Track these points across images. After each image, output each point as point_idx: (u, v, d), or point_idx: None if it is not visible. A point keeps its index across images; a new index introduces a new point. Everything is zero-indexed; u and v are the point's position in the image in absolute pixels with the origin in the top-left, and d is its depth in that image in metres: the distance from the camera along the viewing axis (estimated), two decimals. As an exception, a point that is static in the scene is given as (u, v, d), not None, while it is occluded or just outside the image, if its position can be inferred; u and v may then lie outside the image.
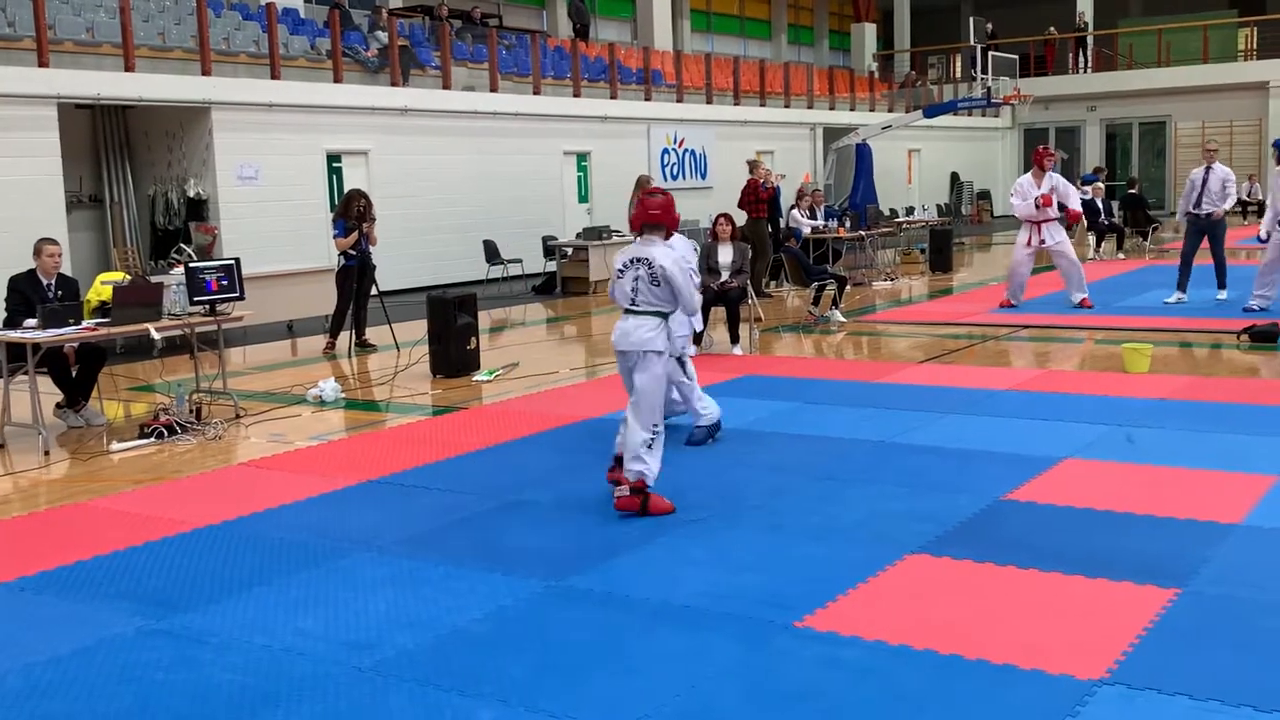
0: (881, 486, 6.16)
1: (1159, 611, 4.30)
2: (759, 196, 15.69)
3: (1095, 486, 5.97)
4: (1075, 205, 13.21)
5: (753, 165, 16.31)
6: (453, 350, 10.05)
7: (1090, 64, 33.02)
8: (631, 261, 5.86)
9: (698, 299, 5.96)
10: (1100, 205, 19.97)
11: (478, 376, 9.98)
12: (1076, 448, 6.75)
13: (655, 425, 5.79)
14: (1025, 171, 13.71)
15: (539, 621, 4.45)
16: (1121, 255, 19.59)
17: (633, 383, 5.87)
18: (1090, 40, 33.05)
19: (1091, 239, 20.00)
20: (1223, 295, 12.80)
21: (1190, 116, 31.25)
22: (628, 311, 5.86)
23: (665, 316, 5.86)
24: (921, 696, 3.72)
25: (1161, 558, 4.86)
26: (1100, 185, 20.76)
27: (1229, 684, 3.68)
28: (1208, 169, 12.56)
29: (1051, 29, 33.07)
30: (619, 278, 5.90)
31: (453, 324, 10.03)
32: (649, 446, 5.77)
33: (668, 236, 5.99)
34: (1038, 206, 12.74)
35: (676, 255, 5.91)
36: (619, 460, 5.98)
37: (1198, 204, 12.61)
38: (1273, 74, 29.81)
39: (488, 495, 6.24)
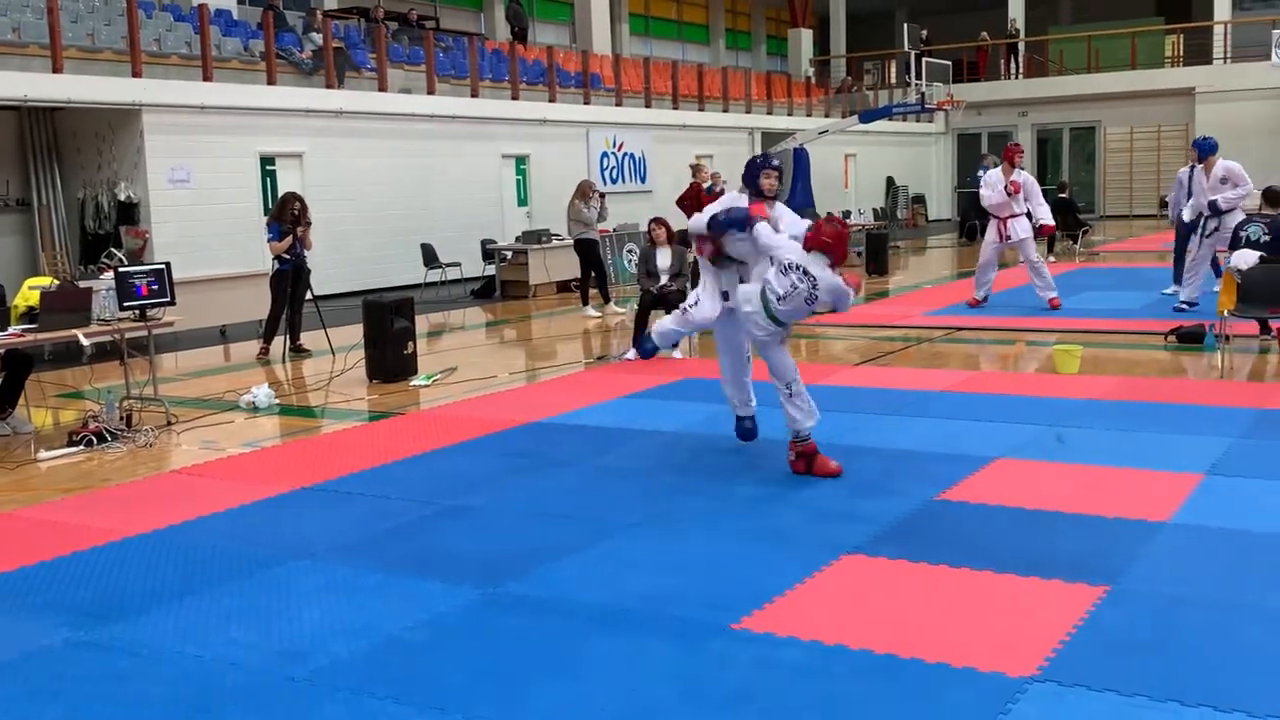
0: (817, 488, 6.20)
1: (1088, 609, 4.37)
2: (699, 201, 15.74)
3: (1026, 486, 6.06)
4: (1043, 211, 13.21)
5: (695, 169, 16.37)
6: (389, 355, 9.97)
7: (1022, 70, 33.56)
8: (796, 268, 6.21)
9: (838, 285, 6.29)
10: (1031, 209, 20.24)
11: (415, 381, 9.91)
12: (1008, 448, 6.84)
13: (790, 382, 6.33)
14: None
15: (477, 628, 4.43)
16: (1052, 258, 19.89)
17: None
18: (1022, 46, 33.60)
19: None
20: (1173, 290, 13.09)
21: (1119, 121, 31.87)
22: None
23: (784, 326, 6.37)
24: (857, 696, 3.75)
25: (1091, 556, 4.95)
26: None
27: (1156, 680, 3.76)
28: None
29: (984, 35, 33.56)
30: (783, 274, 6.21)
31: (389, 328, 9.95)
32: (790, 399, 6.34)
33: (833, 266, 6.23)
34: (1009, 194, 12.77)
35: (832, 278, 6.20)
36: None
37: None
38: (1198, 80, 30.49)
39: (425, 501, 6.20)
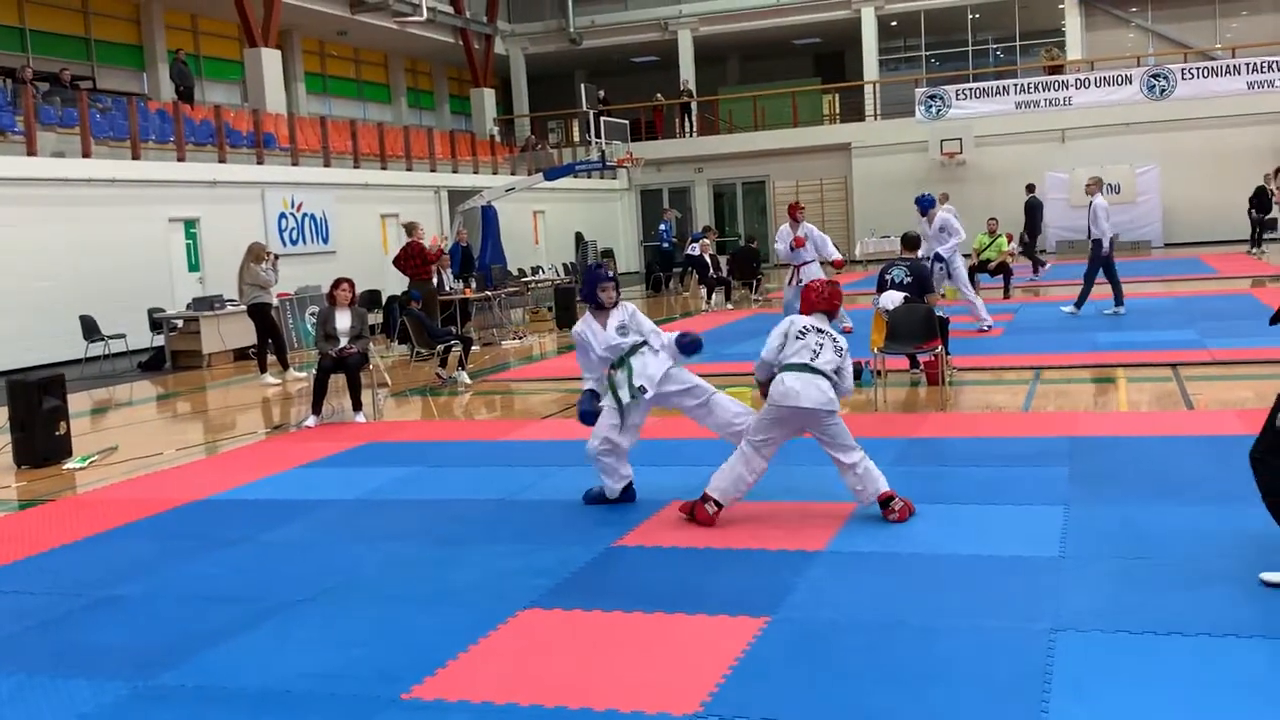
0: (498, 545, 6.16)
1: (750, 641, 4.52)
2: (425, 259, 15.50)
3: (697, 526, 6.22)
4: (832, 252, 14.58)
5: (410, 228, 16.07)
6: (39, 437, 9.19)
7: (695, 128, 35.16)
8: (813, 329, 6.32)
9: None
10: (709, 260, 21.25)
11: (69, 464, 9.17)
12: (681, 490, 6.98)
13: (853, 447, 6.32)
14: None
15: (122, 727, 4.09)
16: (730, 306, 20.84)
17: (785, 433, 6.37)
18: (694, 106, 35.21)
19: (703, 291, 21.24)
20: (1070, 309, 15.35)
21: (786, 176, 33.86)
22: (801, 368, 6.17)
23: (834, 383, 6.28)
24: (525, 755, 3.71)
25: (753, 589, 5.13)
26: (709, 242, 22.09)
27: (809, 704, 3.92)
28: (1091, 203, 15.03)
29: (659, 95, 34.97)
30: (799, 339, 6.26)
31: (38, 408, 9.18)
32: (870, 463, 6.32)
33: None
34: (792, 248, 14.26)
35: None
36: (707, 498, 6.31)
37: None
38: (854, 136, 32.87)
39: (72, 593, 5.70)
